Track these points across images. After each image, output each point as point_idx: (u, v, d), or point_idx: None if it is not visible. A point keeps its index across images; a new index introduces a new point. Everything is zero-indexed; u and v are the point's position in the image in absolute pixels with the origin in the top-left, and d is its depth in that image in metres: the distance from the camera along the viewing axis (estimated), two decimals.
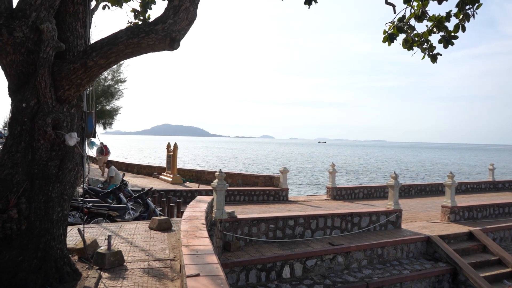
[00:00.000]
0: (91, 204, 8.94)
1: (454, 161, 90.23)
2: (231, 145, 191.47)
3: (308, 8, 6.09)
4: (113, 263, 4.94)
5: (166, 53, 4.71)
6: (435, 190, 20.47)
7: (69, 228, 6.23)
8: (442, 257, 10.17)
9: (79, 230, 5.06)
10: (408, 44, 6.94)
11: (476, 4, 6.32)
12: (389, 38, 6.61)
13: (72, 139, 4.25)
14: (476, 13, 6.44)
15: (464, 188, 21.59)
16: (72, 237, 6.20)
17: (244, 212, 12.41)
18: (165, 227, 7.22)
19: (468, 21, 6.46)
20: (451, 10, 6.51)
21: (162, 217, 7.57)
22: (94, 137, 5.38)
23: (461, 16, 6.43)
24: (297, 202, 16.27)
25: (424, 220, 13.04)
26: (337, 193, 17.28)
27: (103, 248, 5.10)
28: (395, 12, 6.86)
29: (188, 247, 4.48)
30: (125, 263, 5.13)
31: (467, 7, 6.42)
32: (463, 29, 6.50)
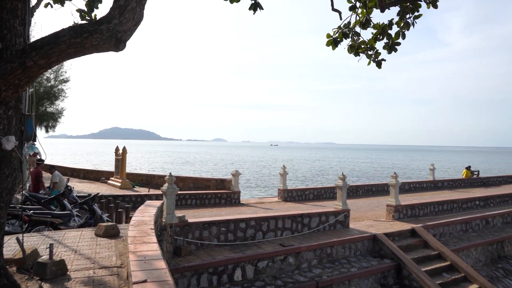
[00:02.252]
0: (32, 211, 8.47)
1: (402, 162, 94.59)
2: (183, 149, 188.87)
3: (254, 14, 6.16)
4: (55, 272, 4.71)
5: (114, 53, 4.58)
6: (381, 190, 21.36)
7: (7, 237, 5.87)
8: (387, 254, 10.62)
9: (17, 239, 4.78)
10: (354, 50, 7.20)
11: (416, 14, 6.72)
12: (333, 42, 6.83)
13: (10, 142, 4.01)
14: (416, 22, 6.84)
15: (408, 188, 22.71)
16: (11, 247, 5.85)
17: (196, 216, 12.29)
18: (112, 234, 6.98)
19: (408, 29, 6.84)
20: (393, 19, 6.86)
21: (109, 223, 7.32)
22: (35, 140, 5.12)
23: (402, 24, 6.81)
24: (249, 204, 16.35)
25: (370, 219, 13.56)
26: (288, 195, 17.56)
27: (44, 257, 4.85)
28: (341, 19, 7.10)
29: (135, 253, 4.37)
30: (68, 272, 4.91)
31: (407, 16, 6.80)
32: (403, 36, 6.87)
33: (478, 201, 16.91)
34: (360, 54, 7.31)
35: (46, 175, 21.01)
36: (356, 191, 20.40)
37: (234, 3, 6.50)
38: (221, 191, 16.75)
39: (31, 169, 12.68)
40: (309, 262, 9.67)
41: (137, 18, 4.17)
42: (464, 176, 28.35)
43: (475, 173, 30.17)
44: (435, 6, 6.50)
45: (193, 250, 8.89)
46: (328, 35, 6.99)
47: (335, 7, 7.16)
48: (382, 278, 10.12)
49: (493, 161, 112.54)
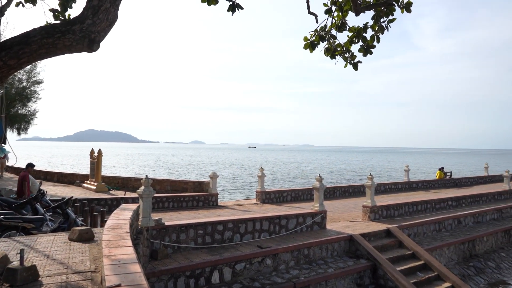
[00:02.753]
0: (2, 216, 8.22)
1: (380, 164, 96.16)
2: (161, 151, 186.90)
3: (232, 15, 6.17)
4: (26, 278, 4.58)
5: (89, 54, 4.51)
6: (357, 191, 21.65)
7: None
8: (363, 254, 10.77)
9: None
10: (330, 53, 7.30)
11: (390, 17, 6.86)
12: (311, 45, 6.90)
13: None
14: (390, 26, 6.98)
15: (384, 189, 23.10)
16: None
17: (173, 218, 12.19)
18: (86, 238, 6.85)
19: (383, 33, 6.98)
20: (367, 22, 6.98)
21: (83, 227, 7.18)
22: (4, 143, 4.99)
23: (376, 28, 6.94)
24: (227, 207, 16.31)
25: (347, 220, 13.73)
26: (266, 197, 17.60)
27: (15, 263, 4.72)
28: (317, 22, 7.19)
29: (109, 257, 4.30)
30: (40, 278, 4.79)
31: (382, 20, 6.94)
32: (378, 40, 7.00)
33: (451, 202, 17.35)
34: (337, 56, 7.42)
35: (16, 178, 20.47)
36: (333, 193, 20.63)
37: (212, 5, 6.50)
38: (199, 194, 16.65)
39: (21, 173, 12.44)
40: (287, 264, 9.71)
41: (111, 19, 4.13)
42: (437, 177, 29.04)
43: (448, 174, 30.95)
44: (409, 11, 6.67)
45: (170, 253, 8.80)
46: (305, 38, 7.06)
47: (311, 10, 7.25)
48: (358, 278, 10.26)
49: (467, 162, 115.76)
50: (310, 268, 9.80)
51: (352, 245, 11.07)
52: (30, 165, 12.43)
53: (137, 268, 3.93)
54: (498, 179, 30.82)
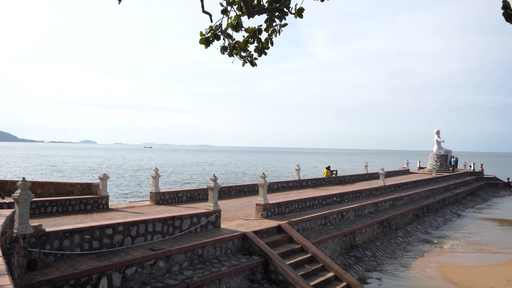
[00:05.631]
0: None
1: (279, 164, 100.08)
2: (46, 151, 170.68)
3: (119, 3, 5.88)
4: None
5: None
6: (252, 190, 22.30)
7: None
8: (256, 251, 11.13)
9: None
10: (226, 51, 7.40)
11: (283, 21, 7.21)
12: (205, 41, 6.93)
13: None
14: (282, 30, 7.33)
15: (276, 187, 24.15)
16: None
17: (56, 224, 11.25)
18: None
19: (276, 36, 7.30)
20: (261, 25, 7.24)
21: None
22: None
23: (270, 31, 7.24)
24: (119, 209, 15.55)
25: (241, 218, 14.07)
26: (160, 198, 17.20)
27: None
28: (211, 21, 7.24)
29: None
30: None
31: (274, 23, 7.25)
32: (271, 43, 7.31)
33: (335, 198, 18.84)
34: (234, 55, 7.55)
35: None
36: (229, 192, 20.97)
37: None
38: (87, 196, 15.57)
39: None
40: (180, 265, 9.61)
41: None
42: (324, 175, 31.29)
43: (334, 172, 33.52)
44: (301, 16, 7.05)
45: (51, 262, 8.10)
46: (201, 34, 7.06)
47: (207, 9, 7.27)
48: (251, 274, 10.57)
49: (355, 161, 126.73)
50: (204, 267, 9.83)
51: (246, 242, 11.37)
52: None
53: (6, 280, 3.55)
54: (375, 176, 34.27)
